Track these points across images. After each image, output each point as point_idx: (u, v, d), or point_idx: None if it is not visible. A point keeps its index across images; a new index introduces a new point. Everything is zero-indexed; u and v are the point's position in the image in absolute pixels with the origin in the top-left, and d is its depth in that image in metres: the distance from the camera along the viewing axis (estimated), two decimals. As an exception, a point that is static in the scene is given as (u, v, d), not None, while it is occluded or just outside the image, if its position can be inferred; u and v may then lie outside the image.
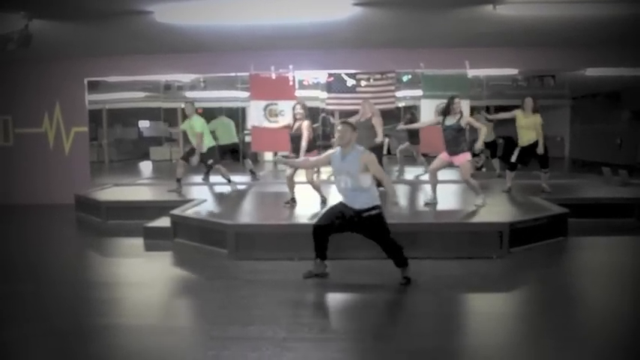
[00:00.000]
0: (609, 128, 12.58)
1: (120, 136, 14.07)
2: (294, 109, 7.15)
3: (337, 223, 4.92)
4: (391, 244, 4.88)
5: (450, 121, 6.95)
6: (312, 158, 5.53)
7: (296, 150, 7.03)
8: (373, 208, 4.78)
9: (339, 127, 4.90)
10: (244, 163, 10.50)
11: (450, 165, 7.20)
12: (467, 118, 7.03)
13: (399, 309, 4.51)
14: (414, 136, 10.01)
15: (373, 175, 4.83)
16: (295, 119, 7.12)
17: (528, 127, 7.84)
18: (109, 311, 4.47)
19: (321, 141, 7.73)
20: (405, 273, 4.94)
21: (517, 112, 7.93)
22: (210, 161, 8.92)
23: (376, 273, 5.23)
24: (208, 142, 8.81)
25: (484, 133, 7.08)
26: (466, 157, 6.95)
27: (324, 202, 7.16)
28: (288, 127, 7.30)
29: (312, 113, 7.48)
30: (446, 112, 7.04)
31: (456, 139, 6.92)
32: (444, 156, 7.11)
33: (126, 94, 12.33)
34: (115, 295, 4.97)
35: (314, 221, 5.12)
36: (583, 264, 5.85)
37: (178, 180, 9.03)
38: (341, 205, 4.96)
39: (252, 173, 10.47)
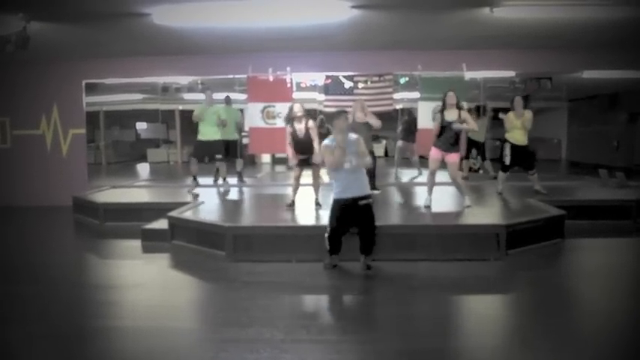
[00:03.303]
0: (606, 130, 12.63)
1: (117, 138, 14.08)
2: (291, 109, 6.99)
3: (345, 221, 5.25)
4: (374, 231, 5.30)
5: (451, 116, 6.90)
6: (326, 159, 5.47)
7: (304, 152, 6.98)
8: (369, 196, 5.28)
9: (340, 118, 5.30)
10: (236, 163, 10.42)
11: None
12: (464, 115, 7.02)
13: (396, 310, 4.51)
14: (408, 134, 10.02)
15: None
16: (296, 119, 6.92)
17: (522, 128, 7.88)
18: (106, 313, 4.47)
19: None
20: (369, 260, 5.32)
21: (509, 115, 7.96)
22: (218, 156, 8.95)
23: (373, 275, 5.25)
24: (214, 133, 8.92)
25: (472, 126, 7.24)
26: (458, 156, 7.08)
27: (318, 204, 7.17)
28: (292, 130, 7.00)
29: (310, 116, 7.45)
30: (443, 106, 6.97)
31: (457, 136, 6.96)
32: (436, 154, 6.99)
33: (123, 96, 12.33)
34: (113, 297, 4.96)
35: (326, 232, 5.32)
36: (580, 266, 5.86)
37: (195, 178, 9.16)
38: (341, 202, 5.20)
39: (240, 176, 10.45)
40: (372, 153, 8.14)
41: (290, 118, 6.98)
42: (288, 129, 6.99)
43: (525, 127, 7.86)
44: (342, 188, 5.21)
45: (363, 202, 5.20)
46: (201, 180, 10.05)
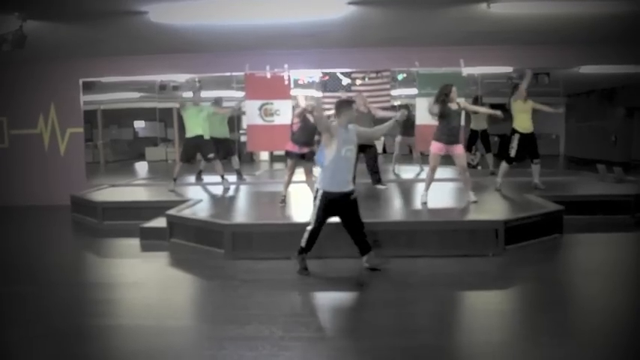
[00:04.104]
0: (604, 125, 12.62)
1: (115, 136, 14.03)
2: (305, 100, 7.11)
3: (330, 215, 5.18)
4: (363, 226, 5.23)
5: (455, 107, 6.94)
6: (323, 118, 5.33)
7: (307, 143, 7.06)
8: (354, 190, 5.18)
9: (349, 108, 5.16)
10: (231, 161, 10.36)
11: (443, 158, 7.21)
12: (463, 103, 7.19)
13: (395, 307, 4.52)
14: (406, 127, 10.03)
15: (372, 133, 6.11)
16: (306, 112, 6.99)
17: (528, 112, 7.89)
18: (105, 312, 4.47)
19: (318, 136, 7.70)
20: (375, 258, 5.26)
21: (514, 102, 7.95)
22: (210, 155, 9.02)
23: (372, 271, 5.25)
24: (201, 130, 9.06)
25: (486, 111, 7.96)
26: (463, 147, 7.13)
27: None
28: (297, 119, 7.08)
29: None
30: (447, 99, 6.90)
31: (459, 127, 7.03)
32: (438, 149, 6.95)
33: (121, 95, 12.30)
34: (112, 295, 4.96)
35: (311, 225, 5.15)
36: (578, 261, 5.87)
37: (199, 174, 9.91)
38: (333, 195, 5.08)
39: (239, 173, 10.45)
40: (373, 147, 8.22)
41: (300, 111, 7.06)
42: (299, 110, 7.01)
43: (529, 113, 7.89)
44: (335, 181, 5.08)
45: (353, 196, 5.14)
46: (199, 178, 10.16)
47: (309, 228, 5.15)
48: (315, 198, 5.20)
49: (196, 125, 8.91)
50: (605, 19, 7.45)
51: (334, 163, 5.08)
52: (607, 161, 9.75)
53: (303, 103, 7.09)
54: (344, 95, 9.28)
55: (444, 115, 6.88)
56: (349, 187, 5.14)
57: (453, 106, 6.92)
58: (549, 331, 3.78)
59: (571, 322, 4.06)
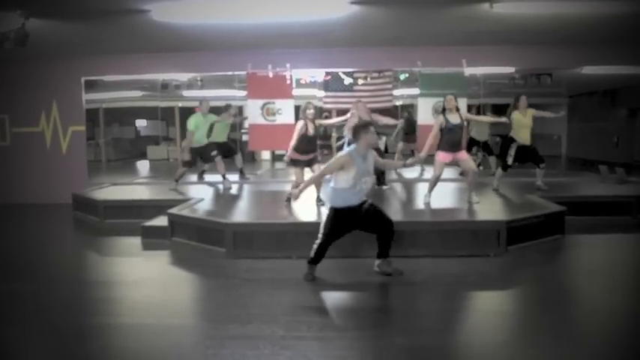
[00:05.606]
0: (606, 126, 12.62)
1: (117, 135, 14.07)
2: (306, 109, 7.12)
3: (346, 229, 5.05)
4: (391, 227, 5.04)
5: (455, 119, 6.95)
6: (325, 168, 5.07)
7: (309, 151, 7.15)
8: (365, 201, 5.02)
9: (372, 131, 4.85)
10: (236, 160, 10.33)
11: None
12: (465, 114, 7.15)
13: (397, 307, 4.52)
14: (409, 134, 10.02)
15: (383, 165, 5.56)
16: (308, 119, 7.11)
17: (527, 126, 7.87)
18: (107, 310, 4.47)
19: (320, 141, 7.73)
20: (389, 265, 5.14)
21: (515, 115, 7.88)
22: (213, 152, 9.03)
23: (374, 271, 5.24)
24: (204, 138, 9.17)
25: (489, 119, 8.39)
26: (466, 152, 7.21)
27: (320, 201, 7.16)
28: (305, 129, 7.11)
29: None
30: (443, 110, 7.05)
31: (462, 137, 7.06)
32: (444, 158, 7.02)
33: (123, 93, 12.31)
34: (113, 294, 4.97)
35: (318, 240, 5.03)
36: (580, 262, 5.86)
37: (201, 173, 10.05)
38: (346, 210, 4.92)
39: (242, 173, 10.45)
40: (378, 150, 8.22)
41: (304, 117, 7.13)
42: (300, 125, 7.08)
43: (528, 126, 7.87)
44: (347, 201, 4.89)
45: (365, 206, 4.96)
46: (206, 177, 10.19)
47: (317, 242, 5.03)
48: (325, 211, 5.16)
49: (202, 135, 9.02)
50: (608, 20, 7.44)
51: (346, 191, 4.86)
52: (609, 162, 9.74)
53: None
54: (346, 95, 9.29)
55: (447, 129, 6.95)
56: (360, 200, 4.95)
57: (454, 118, 6.93)
58: (550, 332, 3.78)
59: (572, 322, 4.05)
